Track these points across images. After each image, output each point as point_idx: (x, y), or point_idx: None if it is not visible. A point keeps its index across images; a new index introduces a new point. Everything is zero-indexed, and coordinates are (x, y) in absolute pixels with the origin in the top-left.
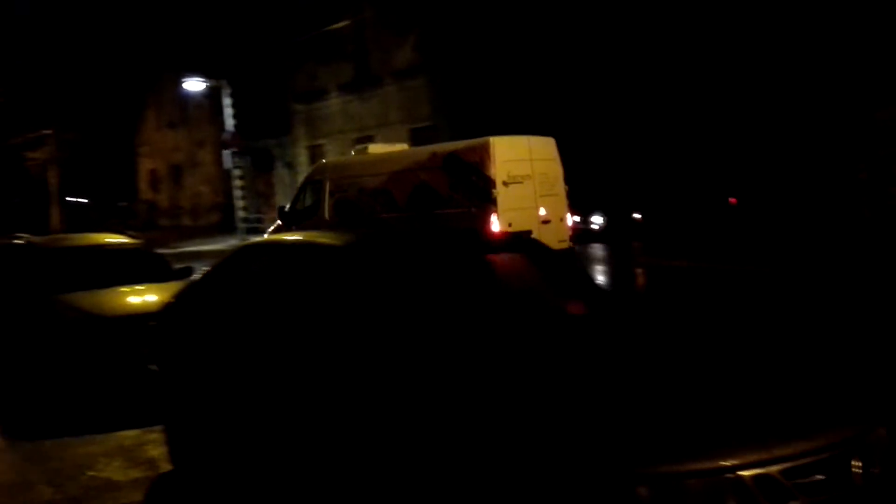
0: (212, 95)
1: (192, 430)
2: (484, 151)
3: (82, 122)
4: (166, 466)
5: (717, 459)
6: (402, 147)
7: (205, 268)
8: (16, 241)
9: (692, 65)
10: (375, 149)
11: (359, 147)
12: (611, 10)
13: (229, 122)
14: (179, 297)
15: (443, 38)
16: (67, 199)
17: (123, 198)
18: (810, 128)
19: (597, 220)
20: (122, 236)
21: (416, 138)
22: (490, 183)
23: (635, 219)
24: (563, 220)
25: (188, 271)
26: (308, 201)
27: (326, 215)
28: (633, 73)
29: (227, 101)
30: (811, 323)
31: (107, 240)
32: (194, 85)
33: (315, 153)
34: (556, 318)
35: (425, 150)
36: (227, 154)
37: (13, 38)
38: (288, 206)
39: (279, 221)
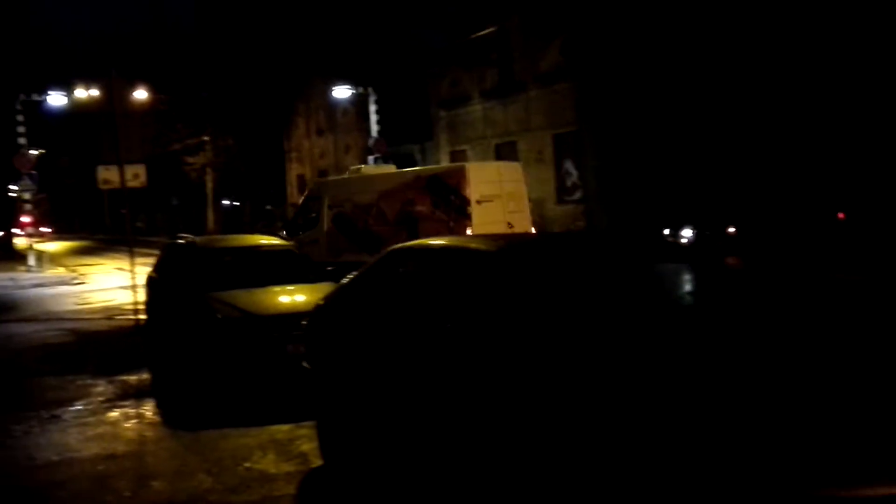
0: (358, 102)
1: (343, 426)
2: (461, 175)
3: (237, 128)
4: (317, 461)
5: None
6: (390, 169)
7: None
8: (179, 241)
9: (800, 79)
10: (368, 170)
11: (353, 168)
12: (738, 20)
13: (374, 129)
14: (330, 298)
15: (587, 43)
16: (223, 201)
17: (274, 202)
18: None
19: (686, 234)
20: (275, 238)
21: (559, 144)
22: (466, 201)
23: (729, 233)
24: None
25: (336, 273)
26: (309, 214)
27: (325, 227)
28: (749, 82)
29: (372, 108)
30: None
31: (261, 241)
32: (342, 92)
33: (456, 159)
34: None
35: (411, 171)
36: (371, 160)
37: (174, 48)
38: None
39: (283, 233)
